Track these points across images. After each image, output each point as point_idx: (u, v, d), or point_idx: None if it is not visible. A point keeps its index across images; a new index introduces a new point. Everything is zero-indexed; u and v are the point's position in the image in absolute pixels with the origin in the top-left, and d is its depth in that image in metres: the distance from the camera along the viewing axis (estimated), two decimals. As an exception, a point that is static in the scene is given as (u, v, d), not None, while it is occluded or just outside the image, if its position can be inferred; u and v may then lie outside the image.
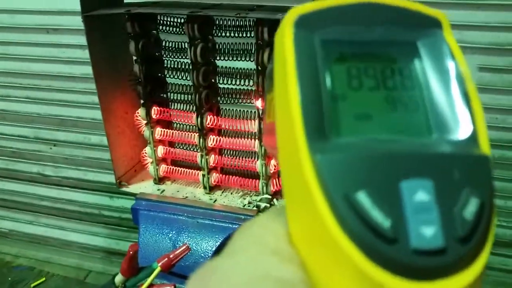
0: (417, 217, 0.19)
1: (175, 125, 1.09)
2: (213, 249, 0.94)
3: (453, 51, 0.25)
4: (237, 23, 0.92)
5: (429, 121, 0.24)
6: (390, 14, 0.24)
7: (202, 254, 0.94)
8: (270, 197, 1.01)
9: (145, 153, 1.08)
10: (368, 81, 0.24)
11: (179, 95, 1.02)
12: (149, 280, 0.80)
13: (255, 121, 0.96)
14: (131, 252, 0.81)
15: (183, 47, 0.96)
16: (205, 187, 1.06)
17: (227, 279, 0.21)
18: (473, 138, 0.23)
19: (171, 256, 0.82)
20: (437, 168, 0.21)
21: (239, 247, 0.23)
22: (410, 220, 0.19)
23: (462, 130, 0.23)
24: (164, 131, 1.06)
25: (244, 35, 0.92)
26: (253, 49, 0.90)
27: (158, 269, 0.81)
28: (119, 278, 0.83)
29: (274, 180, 1.01)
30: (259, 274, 0.21)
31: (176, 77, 1.00)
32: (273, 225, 0.24)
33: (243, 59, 0.93)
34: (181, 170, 1.09)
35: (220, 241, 0.95)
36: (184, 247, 0.84)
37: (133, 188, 1.08)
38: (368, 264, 0.19)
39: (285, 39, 0.23)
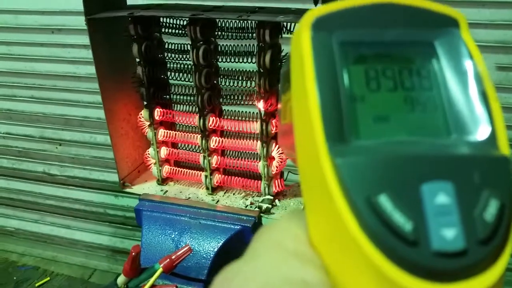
0: (438, 219, 0.20)
1: (178, 126, 1.09)
2: (216, 249, 0.95)
3: (470, 51, 0.24)
4: (239, 25, 0.92)
5: (448, 121, 0.24)
6: (407, 14, 0.24)
7: (204, 255, 0.95)
8: (272, 198, 1.01)
9: (148, 154, 1.09)
10: (386, 82, 0.24)
11: (181, 96, 1.03)
12: (151, 281, 0.81)
13: (257, 122, 0.96)
14: (133, 253, 0.81)
15: (186, 49, 0.97)
16: (207, 188, 1.06)
17: (248, 283, 0.21)
18: (492, 139, 0.23)
19: (173, 257, 0.83)
20: (457, 170, 0.21)
21: (259, 250, 0.24)
22: (431, 222, 0.20)
23: (480, 131, 0.23)
24: (167, 132, 1.06)
25: (246, 37, 0.92)
26: (255, 51, 0.90)
27: (160, 270, 0.82)
28: (121, 279, 0.84)
29: (276, 181, 1.01)
30: (280, 277, 0.21)
31: (178, 78, 1.00)
32: (293, 228, 0.24)
33: (245, 61, 0.93)
34: (184, 171, 1.09)
35: (222, 241, 0.95)
36: (186, 248, 0.84)
37: (136, 188, 1.09)
38: (389, 266, 0.19)
39: (303, 41, 0.23)
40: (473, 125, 0.23)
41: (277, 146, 0.96)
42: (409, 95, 0.24)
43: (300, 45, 0.23)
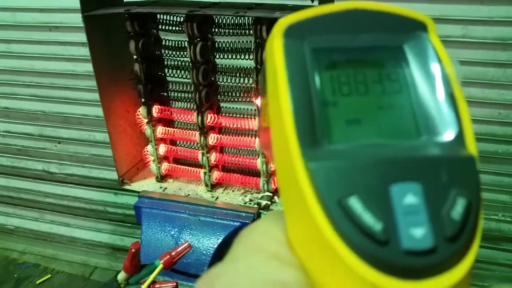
0: (407, 219, 0.20)
1: (176, 123, 1.09)
2: (215, 246, 0.95)
3: (438, 53, 0.25)
4: (236, 21, 0.92)
5: (418, 123, 0.24)
6: (376, 20, 0.25)
7: (204, 251, 0.95)
8: (271, 194, 1.01)
9: (147, 151, 1.09)
10: (358, 87, 0.25)
11: (179, 93, 1.03)
12: (151, 278, 0.81)
13: (255, 118, 0.96)
14: (133, 250, 0.82)
15: (183, 45, 0.97)
16: (206, 185, 1.07)
17: (230, 285, 0.22)
18: (460, 139, 0.23)
19: (172, 253, 0.83)
20: (425, 171, 0.21)
21: (241, 253, 0.24)
22: (401, 222, 0.20)
23: (449, 131, 0.24)
24: (165, 129, 1.06)
25: (243, 33, 0.92)
26: (252, 47, 0.90)
27: (160, 267, 0.82)
28: (121, 276, 0.84)
29: (275, 178, 1.02)
30: (261, 279, 0.22)
31: (176, 75, 1.00)
32: (273, 230, 0.25)
33: (242, 57, 0.93)
34: (183, 168, 1.09)
35: (221, 238, 0.96)
36: (186, 244, 0.84)
37: (136, 186, 1.09)
38: (362, 266, 0.20)
39: (275, 48, 0.24)
40: (442, 126, 0.24)
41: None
42: (380, 99, 0.25)
43: (273, 53, 0.24)
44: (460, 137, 0.23)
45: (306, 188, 0.21)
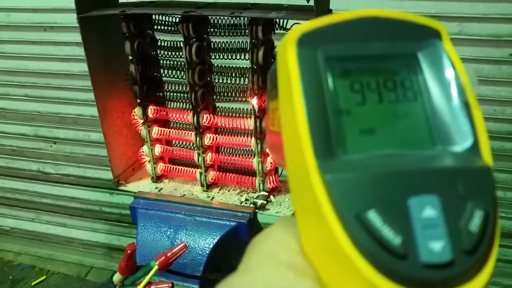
0: (425, 232, 0.20)
1: (172, 123, 1.09)
2: (211, 246, 0.95)
3: (453, 61, 0.25)
4: (232, 22, 0.92)
5: (432, 132, 0.24)
6: (390, 28, 0.25)
7: (200, 252, 0.95)
8: (266, 194, 1.01)
9: (143, 151, 1.09)
10: (372, 96, 0.25)
11: (175, 94, 1.03)
12: (146, 279, 0.81)
13: (250, 118, 0.96)
14: (128, 251, 0.81)
15: (179, 46, 0.96)
16: (202, 185, 1.07)
17: None
18: (475, 149, 0.23)
19: (168, 254, 0.83)
20: (442, 182, 0.22)
21: (253, 263, 0.24)
22: (419, 236, 0.20)
23: (464, 141, 0.24)
24: (161, 130, 1.06)
25: (239, 33, 0.92)
26: (248, 47, 0.90)
27: (155, 268, 0.82)
28: (117, 277, 0.84)
29: (271, 177, 1.02)
30: None
31: (172, 76, 1.00)
32: (286, 238, 0.24)
33: (238, 57, 0.93)
34: (179, 168, 1.09)
35: (217, 238, 0.95)
36: (182, 245, 0.84)
37: (131, 186, 1.09)
38: (380, 279, 0.20)
39: (289, 57, 0.24)
40: (457, 135, 0.24)
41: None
42: (394, 107, 0.25)
43: (286, 61, 0.24)
44: (475, 146, 0.23)
45: (323, 201, 0.21)
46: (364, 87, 0.25)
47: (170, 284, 0.82)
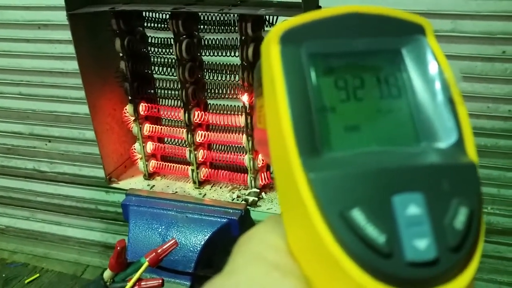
0: (410, 230, 0.20)
1: (163, 120, 1.09)
2: (202, 243, 0.95)
3: (437, 57, 0.25)
4: (221, 18, 0.92)
5: (417, 129, 0.24)
6: (374, 24, 0.25)
7: (191, 248, 0.95)
8: (258, 190, 1.01)
9: (134, 149, 1.09)
10: (356, 92, 0.24)
11: (166, 91, 1.03)
12: (137, 275, 0.81)
13: (242, 115, 0.96)
14: (118, 248, 0.82)
15: (169, 43, 0.96)
16: (194, 182, 1.07)
17: None
18: (460, 145, 0.23)
19: (158, 251, 0.83)
20: (427, 180, 0.21)
21: (239, 264, 0.24)
22: (404, 234, 0.20)
23: (448, 138, 0.23)
24: (152, 127, 1.06)
25: (229, 30, 0.92)
26: (238, 44, 0.90)
27: (146, 264, 0.82)
28: (107, 273, 0.84)
29: (262, 174, 1.02)
30: None
31: (162, 73, 1.00)
32: (272, 238, 0.24)
33: (228, 54, 0.93)
34: (171, 165, 1.09)
35: (209, 235, 0.96)
36: (172, 241, 0.84)
37: (123, 184, 1.09)
38: (365, 278, 0.20)
39: (272, 54, 0.24)
40: (441, 132, 0.24)
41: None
42: (379, 103, 0.24)
43: (269, 59, 0.24)
44: (460, 143, 0.23)
45: (308, 199, 0.21)
46: (348, 84, 0.24)
47: (160, 281, 0.83)
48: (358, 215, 0.20)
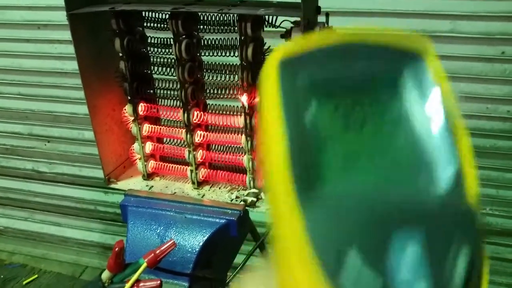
0: (408, 274, 0.20)
1: (162, 121, 1.09)
2: (201, 244, 0.95)
3: (438, 83, 0.24)
4: (221, 18, 0.92)
5: (416, 165, 0.23)
6: (372, 54, 0.24)
7: (190, 249, 0.95)
8: (257, 191, 1.01)
9: (133, 149, 1.08)
10: (354, 123, 0.24)
11: (165, 91, 1.02)
12: (135, 276, 0.81)
13: (241, 116, 0.96)
14: (116, 249, 0.81)
15: (169, 43, 0.96)
16: (193, 183, 1.06)
17: None
18: (460, 184, 0.22)
19: (157, 252, 0.83)
20: (426, 223, 0.21)
21: None
22: (402, 277, 0.20)
23: (448, 176, 0.22)
24: (151, 127, 1.06)
25: (228, 30, 0.92)
26: (238, 44, 0.90)
27: (144, 265, 0.81)
28: (106, 274, 0.84)
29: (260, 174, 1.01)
30: None
31: (162, 73, 1.00)
32: None
33: (228, 54, 0.93)
34: (169, 166, 1.09)
35: (207, 235, 0.95)
36: (170, 242, 0.84)
37: (122, 184, 1.09)
38: None
39: (270, 81, 0.23)
40: (441, 169, 0.23)
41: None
42: (376, 137, 0.24)
43: (268, 85, 0.23)
44: (459, 182, 0.22)
45: (302, 240, 0.20)
46: (346, 115, 0.24)
47: (158, 282, 0.82)
48: (354, 257, 0.20)
